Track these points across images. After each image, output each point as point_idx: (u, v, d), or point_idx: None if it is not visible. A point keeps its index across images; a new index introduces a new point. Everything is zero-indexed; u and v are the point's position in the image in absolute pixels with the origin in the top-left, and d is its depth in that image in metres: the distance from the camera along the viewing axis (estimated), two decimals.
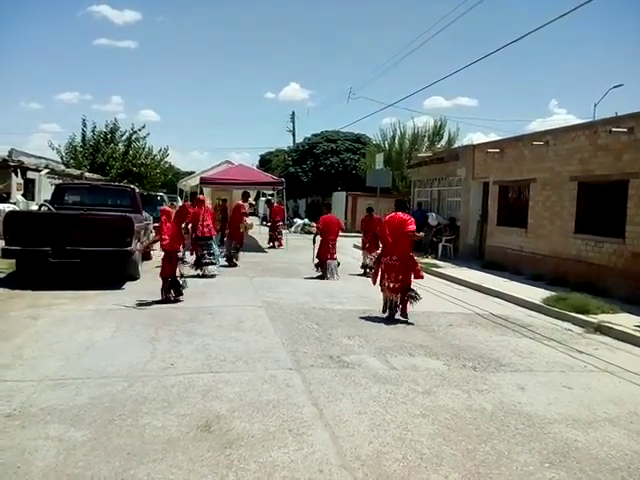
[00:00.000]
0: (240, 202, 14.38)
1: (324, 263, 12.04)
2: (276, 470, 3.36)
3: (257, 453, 3.56)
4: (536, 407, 4.71)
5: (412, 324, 7.70)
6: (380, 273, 8.20)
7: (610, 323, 7.85)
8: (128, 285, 9.72)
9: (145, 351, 5.79)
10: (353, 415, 4.29)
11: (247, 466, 3.40)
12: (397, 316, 7.95)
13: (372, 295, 8.95)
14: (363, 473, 3.39)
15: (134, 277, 10.16)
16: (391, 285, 7.95)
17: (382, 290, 8.16)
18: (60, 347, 5.81)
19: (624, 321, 7.98)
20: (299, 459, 3.51)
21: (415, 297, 7.97)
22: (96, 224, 9.46)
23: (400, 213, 8.11)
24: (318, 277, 11.98)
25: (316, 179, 36.57)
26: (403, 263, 7.93)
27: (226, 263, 13.07)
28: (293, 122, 48.04)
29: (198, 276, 11.14)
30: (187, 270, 10.44)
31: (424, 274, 8.54)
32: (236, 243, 13.58)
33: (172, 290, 8.51)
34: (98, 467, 3.30)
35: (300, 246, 17.85)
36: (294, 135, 47.36)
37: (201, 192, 19.32)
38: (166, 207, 9.66)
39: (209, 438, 3.76)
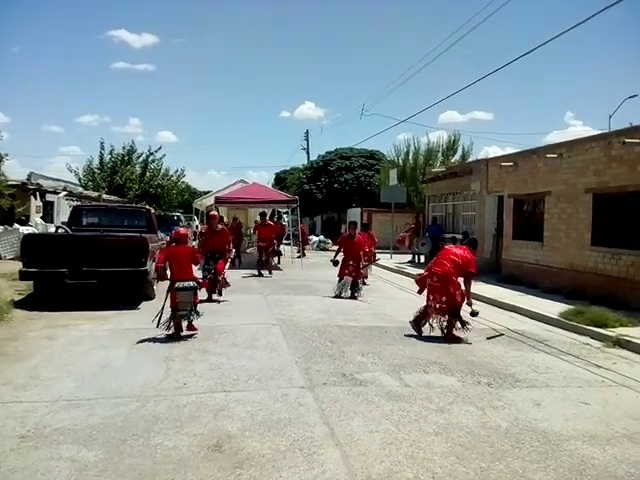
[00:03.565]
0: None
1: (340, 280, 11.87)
2: None
3: (267, 473, 3.55)
4: (552, 423, 4.63)
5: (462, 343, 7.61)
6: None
7: (629, 336, 7.70)
8: (144, 305, 9.80)
9: (159, 370, 5.82)
10: (365, 434, 4.25)
11: None
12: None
13: (387, 312, 8.90)
14: None
15: (150, 297, 10.23)
16: (437, 306, 7.85)
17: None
18: (76, 367, 5.86)
19: None
20: (309, 479, 3.49)
21: (463, 323, 7.78)
22: (112, 245, 9.59)
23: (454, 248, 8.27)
24: (335, 296, 11.67)
25: (331, 196, 36.63)
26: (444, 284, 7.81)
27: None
28: (307, 140, 48.41)
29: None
30: None
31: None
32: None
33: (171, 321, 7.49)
34: None
35: (315, 263, 17.85)
36: (308, 153, 47.75)
37: (217, 211, 19.46)
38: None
39: (220, 458, 3.75)
